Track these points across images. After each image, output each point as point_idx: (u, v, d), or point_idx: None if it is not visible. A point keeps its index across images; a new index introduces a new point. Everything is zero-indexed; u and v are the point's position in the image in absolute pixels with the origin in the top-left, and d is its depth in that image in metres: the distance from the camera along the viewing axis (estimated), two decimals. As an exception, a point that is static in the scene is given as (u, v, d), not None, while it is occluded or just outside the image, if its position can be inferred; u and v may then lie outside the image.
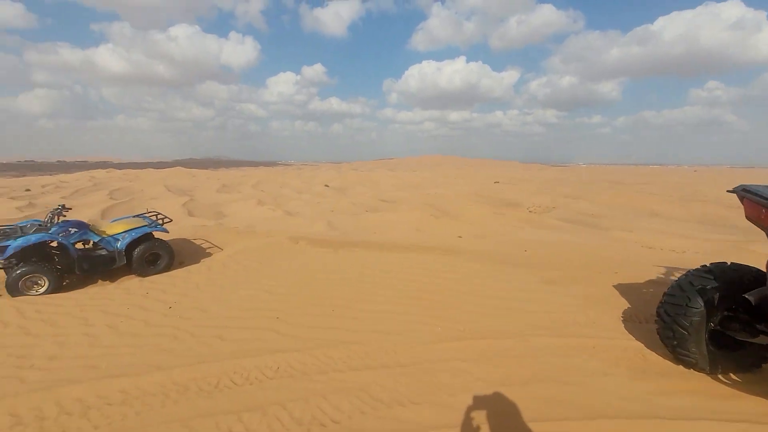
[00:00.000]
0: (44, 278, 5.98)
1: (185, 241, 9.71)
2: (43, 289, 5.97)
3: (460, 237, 14.33)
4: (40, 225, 6.55)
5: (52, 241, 6.34)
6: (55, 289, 6.03)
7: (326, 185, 38.19)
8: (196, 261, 8.17)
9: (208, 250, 8.97)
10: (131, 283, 6.76)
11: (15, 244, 5.85)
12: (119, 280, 7.10)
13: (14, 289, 5.77)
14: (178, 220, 20.97)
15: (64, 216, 6.93)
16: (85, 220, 20.08)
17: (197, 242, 9.63)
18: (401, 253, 8.72)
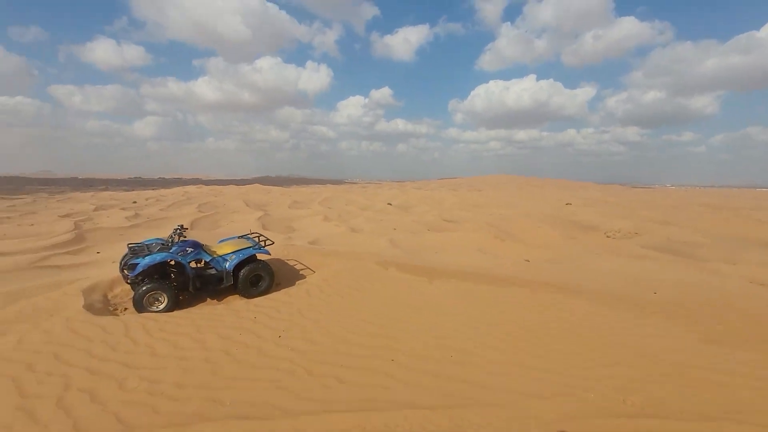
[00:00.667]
0: (164, 295, 6.23)
1: (279, 262, 9.77)
2: (162, 306, 6.21)
3: (527, 261, 13.67)
4: (163, 244, 6.86)
5: (171, 260, 6.54)
6: (173, 305, 6.26)
7: (389, 203, 38.86)
8: (292, 283, 8.18)
9: (301, 272, 8.94)
10: (238, 304, 6.75)
11: (144, 262, 6.13)
12: (226, 300, 7.22)
13: (139, 305, 6.03)
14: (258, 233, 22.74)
15: (184, 236, 7.13)
16: (198, 240, 22.51)
17: (290, 263, 9.63)
18: (502, 287, 8.04)
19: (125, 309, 6.36)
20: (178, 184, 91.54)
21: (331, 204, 43.62)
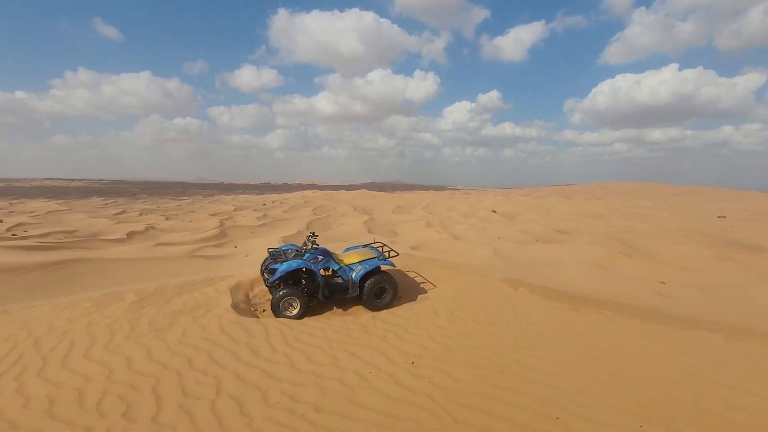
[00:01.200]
0: (297, 301, 6.27)
1: (398, 273, 9.14)
2: (295, 312, 6.25)
3: (663, 283, 11.70)
4: (297, 251, 6.93)
5: (304, 267, 6.59)
6: (304, 312, 6.28)
7: (493, 210, 37.24)
8: (413, 298, 7.67)
9: (422, 285, 8.38)
10: (365, 318, 6.44)
11: (282, 268, 6.24)
12: (351, 311, 7.04)
13: (276, 309, 6.14)
14: (359, 237, 24.22)
15: (316, 244, 7.11)
16: (295, 231, 25.10)
17: (409, 274, 9.04)
18: (680, 330, 6.16)
19: (263, 310, 6.55)
20: (297, 189, 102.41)
21: (432, 210, 43.65)
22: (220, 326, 5.24)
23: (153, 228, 27.52)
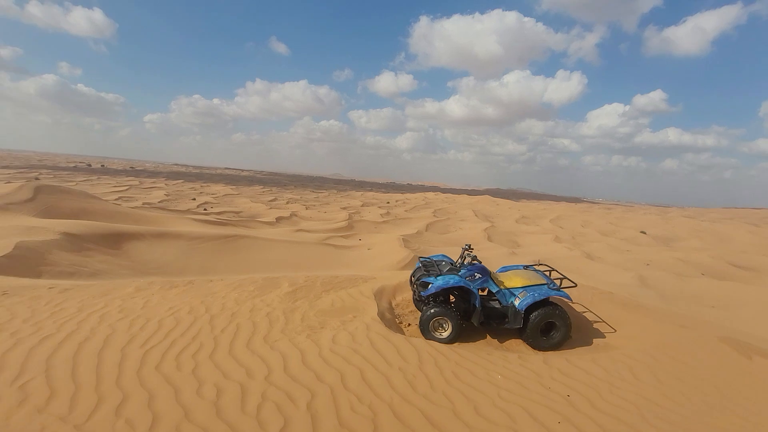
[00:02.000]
0: (449, 323, 5.41)
1: (561, 304, 7.00)
2: (446, 334, 5.41)
3: None
4: (452, 265, 6.17)
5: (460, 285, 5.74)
6: (455, 336, 5.40)
7: (642, 231, 31.67)
8: (588, 342, 5.93)
9: (595, 326, 6.53)
10: (535, 363, 4.88)
11: (437, 283, 5.46)
12: (509, 344, 5.69)
13: (425, 329, 5.40)
14: (477, 244, 23.58)
15: (476, 259, 6.11)
16: (414, 231, 25.75)
17: (576, 308, 7.07)
18: None
19: (408, 325, 5.72)
20: (420, 190, 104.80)
21: (563, 223, 39.48)
22: (370, 339, 4.69)
23: (295, 215, 31.95)
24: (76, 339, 3.62)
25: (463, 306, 5.79)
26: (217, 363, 3.73)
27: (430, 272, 5.76)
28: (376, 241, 18.60)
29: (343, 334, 4.77)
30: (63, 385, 2.97)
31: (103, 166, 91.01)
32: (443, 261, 6.31)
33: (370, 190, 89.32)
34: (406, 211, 42.67)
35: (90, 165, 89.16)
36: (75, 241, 8.95)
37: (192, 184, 57.00)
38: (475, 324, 5.68)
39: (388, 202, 54.10)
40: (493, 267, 13.54)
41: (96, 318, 4.15)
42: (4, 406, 2.76)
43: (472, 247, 6.25)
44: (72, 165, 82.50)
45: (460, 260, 6.13)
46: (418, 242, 20.15)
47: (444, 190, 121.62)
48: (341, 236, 20.89)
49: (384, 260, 14.01)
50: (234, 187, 57.15)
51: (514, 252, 19.93)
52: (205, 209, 31.03)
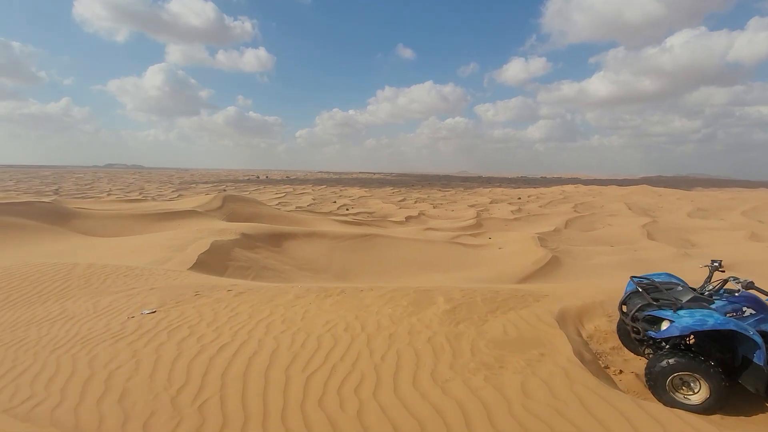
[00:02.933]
0: (703, 382, 3.48)
1: None
2: (696, 399, 3.51)
3: None
4: (693, 291, 4.10)
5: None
6: (714, 403, 3.44)
7: None
8: None
9: None
10: None
11: (685, 323, 3.58)
12: None
13: (659, 387, 3.60)
14: (633, 243, 20.07)
15: (739, 282, 3.95)
16: (551, 228, 23.39)
17: None
18: None
19: (619, 372, 3.95)
20: (556, 184, 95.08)
21: (763, 217, 30.45)
22: (577, 395, 3.13)
23: (423, 214, 32.78)
24: (247, 352, 3.76)
25: (718, 355, 3.81)
26: (384, 406, 3.05)
27: (660, 301, 3.93)
28: (507, 240, 17.64)
29: (535, 381, 3.39)
30: (235, 413, 2.92)
31: (267, 177, 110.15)
32: (675, 283, 4.27)
33: (499, 186, 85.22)
34: (540, 206, 39.25)
35: (258, 177, 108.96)
36: (249, 241, 11.13)
37: (333, 188, 64.02)
38: (753, 390, 3.53)
39: (520, 198, 50.61)
40: (657, 271, 11.32)
41: (263, 328, 4.21)
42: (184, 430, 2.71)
43: (721, 263, 4.30)
44: (246, 178, 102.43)
45: (707, 285, 4.16)
46: (556, 241, 18.31)
47: (586, 182, 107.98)
48: (470, 235, 20.51)
49: (518, 260, 13.18)
50: (367, 189, 61.87)
51: (688, 253, 16.27)
52: (347, 209, 34.61)
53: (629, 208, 35.52)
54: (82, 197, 38.86)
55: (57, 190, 49.80)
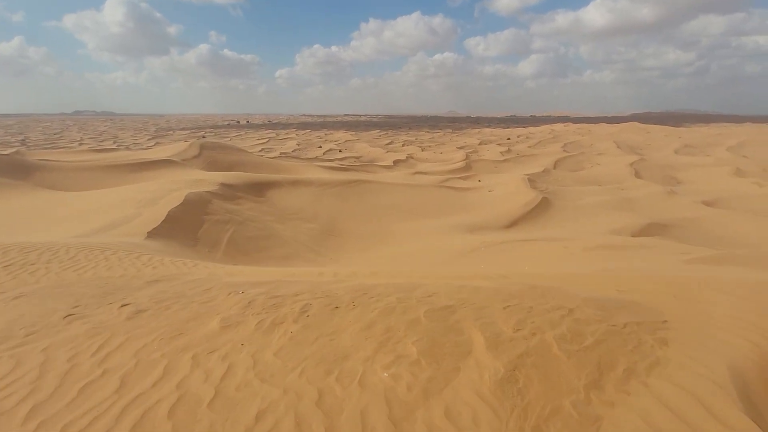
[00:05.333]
0: None
1: None
2: None
3: None
4: None
5: None
6: None
7: None
8: None
9: None
10: None
11: None
12: None
13: None
14: (621, 182, 20.03)
15: None
16: (540, 169, 23.28)
17: None
18: None
19: None
20: (546, 123, 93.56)
21: (748, 152, 30.72)
22: None
23: (412, 158, 32.02)
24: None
25: None
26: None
27: None
28: (497, 182, 17.41)
29: None
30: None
31: (248, 122, 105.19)
32: None
33: (488, 126, 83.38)
34: (529, 147, 38.70)
35: (238, 122, 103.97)
36: (230, 191, 10.56)
37: (318, 132, 61.77)
38: None
39: (509, 139, 49.76)
40: (647, 211, 11.21)
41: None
42: None
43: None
44: (226, 123, 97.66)
45: None
46: (546, 182, 18.17)
47: (576, 120, 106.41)
48: (459, 178, 20.17)
49: (508, 203, 13.02)
50: (354, 133, 59.89)
51: (674, 191, 16.37)
52: (340, 151, 33.49)
53: (618, 147, 35.35)
54: (52, 147, 36.68)
55: (24, 140, 46.76)
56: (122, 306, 3.16)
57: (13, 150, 22.01)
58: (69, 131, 66.08)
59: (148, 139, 49.40)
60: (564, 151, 33.77)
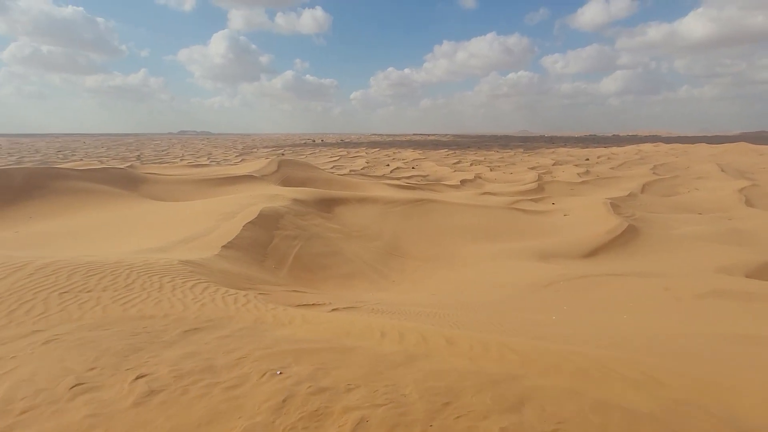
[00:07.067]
0: None
1: None
2: None
3: None
4: None
5: None
6: None
7: None
8: None
9: None
10: None
11: None
12: None
13: None
14: (726, 210, 17.37)
15: None
16: (625, 193, 21.15)
17: None
18: None
19: None
20: (632, 142, 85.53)
21: None
22: None
23: (480, 177, 31.20)
24: None
25: None
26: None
27: None
28: (573, 206, 16.12)
29: None
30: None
31: (322, 141, 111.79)
32: None
33: (564, 146, 78.50)
34: (611, 168, 35.51)
35: (314, 141, 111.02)
36: (300, 206, 11.14)
37: (386, 151, 63.33)
38: None
39: (587, 159, 46.20)
40: (762, 245, 9.49)
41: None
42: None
43: None
44: (303, 142, 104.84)
45: None
46: (632, 208, 16.40)
47: (668, 140, 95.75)
48: (530, 200, 19.10)
49: (588, 229, 11.92)
50: (421, 152, 60.30)
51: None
52: (413, 167, 34.20)
53: (722, 170, 30.84)
54: (159, 162, 42.29)
55: (139, 156, 54.69)
56: (137, 378, 2.59)
57: (128, 164, 25.76)
58: (174, 148, 75.81)
59: (236, 156, 54.73)
60: (654, 173, 30.42)
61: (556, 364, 2.70)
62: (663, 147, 62.53)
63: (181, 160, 49.01)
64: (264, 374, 2.61)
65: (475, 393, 2.31)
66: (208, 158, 51.93)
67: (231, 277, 5.56)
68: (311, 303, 5.02)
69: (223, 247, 7.09)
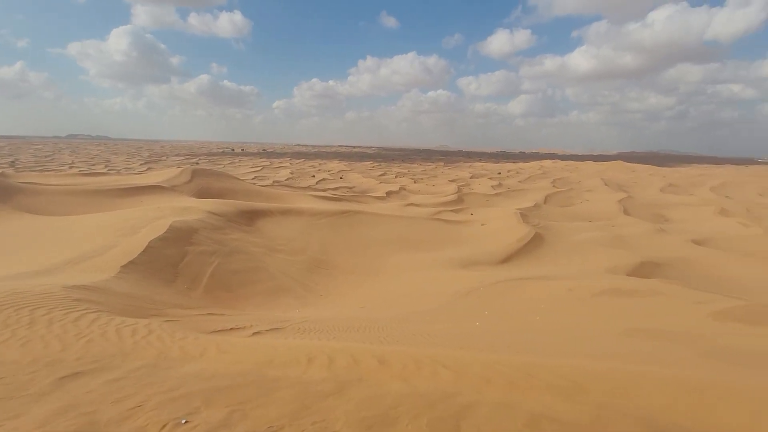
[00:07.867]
0: None
1: None
2: None
3: None
4: None
5: None
6: None
7: None
8: None
9: None
10: None
11: None
12: None
13: None
14: (609, 218, 20.26)
15: None
16: (531, 204, 23.49)
17: None
18: None
19: None
20: (535, 158, 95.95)
21: (731, 192, 31.60)
22: None
23: (404, 189, 32.25)
24: None
25: None
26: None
27: None
28: (490, 216, 17.40)
29: None
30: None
31: (242, 150, 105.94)
32: None
33: (479, 161, 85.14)
34: (520, 182, 39.37)
35: (233, 150, 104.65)
36: (218, 220, 10.27)
37: (312, 162, 62.27)
38: None
39: (500, 173, 50.69)
40: (637, 248, 11.05)
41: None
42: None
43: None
44: (221, 150, 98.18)
45: None
46: (537, 217, 18.22)
47: (563, 157, 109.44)
48: (451, 210, 20.18)
49: (501, 238, 12.91)
50: (347, 163, 60.53)
51: (663, 229, 16.50)
52: (341, 178, 33.76)
53: (605, 184, 36.11)
54: (41, 170, 36.15)
55: (13, 162, 46.13)
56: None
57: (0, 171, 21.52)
58: (60, 154, 65.55)
59: (141, 164, 49.15)
60: (554, 186, 34.36)
61: (487, 378, 2.72)
62: (560, 163, 71.16)
63: (70, 167, 42.53)
64: (164, 426, 2.14)
65: (411, 420, 2.22)
66: (106, 166, 45.86)
67: (131, 303, 4.78)
68: (229, 327, 4.54)
69: (123, 267, 6.14)
